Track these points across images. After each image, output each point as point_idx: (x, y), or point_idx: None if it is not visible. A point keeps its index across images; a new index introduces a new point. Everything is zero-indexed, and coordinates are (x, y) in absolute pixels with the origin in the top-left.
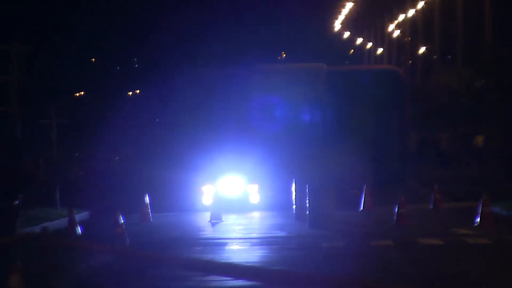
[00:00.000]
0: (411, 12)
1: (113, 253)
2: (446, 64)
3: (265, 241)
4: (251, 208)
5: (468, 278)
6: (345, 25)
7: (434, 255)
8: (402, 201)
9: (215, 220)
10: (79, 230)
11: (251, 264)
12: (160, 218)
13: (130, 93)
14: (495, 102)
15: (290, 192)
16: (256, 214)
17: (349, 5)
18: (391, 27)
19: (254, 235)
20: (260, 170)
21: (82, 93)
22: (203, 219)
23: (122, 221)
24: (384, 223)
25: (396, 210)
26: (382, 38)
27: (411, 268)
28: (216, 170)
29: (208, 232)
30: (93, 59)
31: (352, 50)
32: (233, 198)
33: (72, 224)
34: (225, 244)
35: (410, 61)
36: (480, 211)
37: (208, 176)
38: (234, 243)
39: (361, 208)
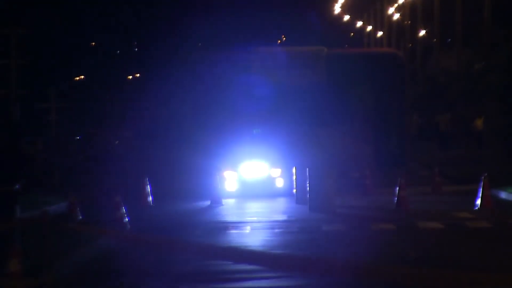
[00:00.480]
0: None
1: (114, 238)
2: (446, 47)
3: (266, 226)
4: (275, 193)
5: (467, 261)
6: (345, 8)
7: (434, 238)
8: (403, 184)
9: (216, 204)
10: (79, 214)
11: (251, 248)
12: (161, 203)
13: (130, 76)
14: (494, 84)
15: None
16: (258, 198)
17: None
18: (391, 10)
19: (255, 218)
20: (281, 154)
21: (82, 77)
22: (204, 204)
23: (123, 205)
24: (384, 206)
25: (397, 193)
26: (381, 21)
27: (411, 251)
28: (236, 155)
29: (209, 216)
30: (93, 43)
31: (352, 34)
32: (257, 182)
33: (72, 208)
34: (225, 228)
35: (410, 45)
36: (480, 194)
37: (228, 161)
38: (234, 227)
39: (362, 191)
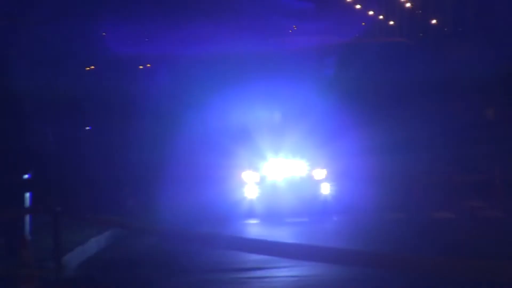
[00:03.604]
0: None
1: (129, 229)
2: (458, 36)
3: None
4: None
5: (478, 251)
6: None
7: (445, 228)
8: None
9: None
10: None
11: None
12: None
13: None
14: (507, 74)
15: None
16: None
17: None
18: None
19: None
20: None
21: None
22: None
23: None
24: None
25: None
26: (393, 10)
27: (419, 240)
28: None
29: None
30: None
31: (364, 23)
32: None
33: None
34: None
35: (421, 34)
36: (491, 183)
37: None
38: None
39: None
